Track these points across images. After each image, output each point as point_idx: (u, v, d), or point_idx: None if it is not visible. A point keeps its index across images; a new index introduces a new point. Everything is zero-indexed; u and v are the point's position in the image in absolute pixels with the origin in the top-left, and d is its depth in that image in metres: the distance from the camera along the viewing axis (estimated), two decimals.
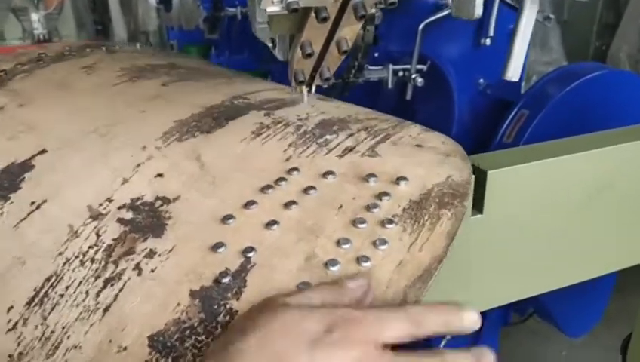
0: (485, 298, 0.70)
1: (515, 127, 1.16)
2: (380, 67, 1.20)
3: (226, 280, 0.50)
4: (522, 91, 1.28)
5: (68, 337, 0.50)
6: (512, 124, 1.17)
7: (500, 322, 1.47)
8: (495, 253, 0.68)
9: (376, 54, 1.22)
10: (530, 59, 1.57)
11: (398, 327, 0.44)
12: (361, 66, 1.14)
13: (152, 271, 0.52)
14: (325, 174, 0.58)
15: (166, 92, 0.75)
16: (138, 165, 0.61)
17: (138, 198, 0.58)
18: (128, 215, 0.57)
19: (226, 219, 0.55)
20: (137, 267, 0.53)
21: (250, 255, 0.52)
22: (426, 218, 0.54)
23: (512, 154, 0.67)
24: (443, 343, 1.40)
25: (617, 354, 1.24)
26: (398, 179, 0.57)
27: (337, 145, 0.61)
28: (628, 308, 1.19)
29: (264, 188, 0.57)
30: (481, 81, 1.29)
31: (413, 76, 1.18)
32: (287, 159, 0.60)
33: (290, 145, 0.61)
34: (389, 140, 0.62)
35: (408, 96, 1.21)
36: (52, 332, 0.50)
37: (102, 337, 0.49)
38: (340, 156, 0.60)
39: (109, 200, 0.58)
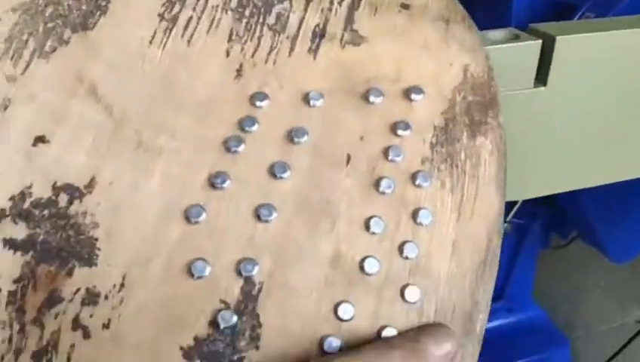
0: (541, 183, 0.65)
1: None
2: None
3: (230, 321, 0.32)
4: None
5: None
6: None
7: (539, 244, 1.43)
8: (556, 133, 0.62)
9: None
10: None
11: None
12: None
13: (105, 326, 0.31)
14: (306, 97, 0.39)
15: None
16: None
17: (23, 194, 0.33)
18: (20, 230, 0.32)
19: (192, 213, 0.34)
20: (77, 324, 0.31)
21: (251, 272, 0.33)
22: (462, 156, 0.39)
23: (586, 25, 0.61)
24: None
25: None
26: (409, 91, 0.40)
27: (300, 28, 0.42)
28: None
29: (227, 144, 0.36)
30: None
31: None
32: (239, 72, 0.39)
33: (230, 36, 0.40)
34: None
35: None
36: None
37: None
38: (314, 51, 0.41)
39: None
